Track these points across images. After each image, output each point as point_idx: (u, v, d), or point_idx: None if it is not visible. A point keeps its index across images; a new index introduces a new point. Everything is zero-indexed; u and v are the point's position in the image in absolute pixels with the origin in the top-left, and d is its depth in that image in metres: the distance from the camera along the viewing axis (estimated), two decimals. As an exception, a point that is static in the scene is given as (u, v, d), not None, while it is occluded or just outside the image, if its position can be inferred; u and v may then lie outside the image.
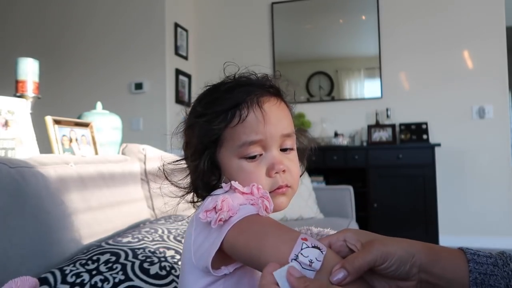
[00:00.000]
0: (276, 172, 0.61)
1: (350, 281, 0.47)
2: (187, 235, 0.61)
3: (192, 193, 0.67)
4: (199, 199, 0.67)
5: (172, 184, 0.67)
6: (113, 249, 0.90)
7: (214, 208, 0.53)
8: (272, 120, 0.61)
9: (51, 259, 0.87)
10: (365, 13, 3.72)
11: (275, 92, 0.65)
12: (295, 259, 0.46)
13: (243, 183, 0.59)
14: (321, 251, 0.47)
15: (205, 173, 0.63)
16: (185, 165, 0.67)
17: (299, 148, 0.70)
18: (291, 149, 0.64)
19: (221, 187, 0.61)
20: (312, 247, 0.48)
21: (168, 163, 0.68)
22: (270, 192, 0.60)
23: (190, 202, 0.68)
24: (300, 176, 0.71)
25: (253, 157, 0.61)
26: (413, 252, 0.48)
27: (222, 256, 0.54)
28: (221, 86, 0.64)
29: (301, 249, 0.47)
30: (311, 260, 0.46)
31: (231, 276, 0.56)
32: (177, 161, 0.68)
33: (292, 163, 0.64)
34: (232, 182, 0.59)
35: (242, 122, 0.60)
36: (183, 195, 0.67)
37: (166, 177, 0.67)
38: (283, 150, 0.63)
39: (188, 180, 0.67)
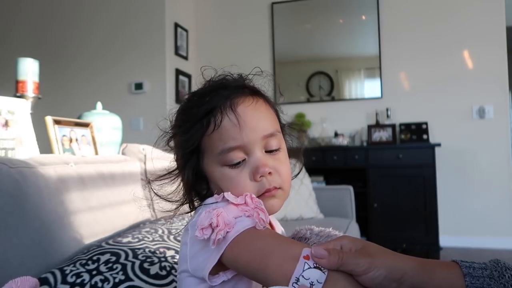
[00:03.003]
0: (261, 176, 0.58)
1: (324, 265, 0.47)
2: (183, 243, 0.59)
3: (187, 203, 0.65)
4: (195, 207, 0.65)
5: (163, 199, 0.65)
6: (113, 249, 0.90)
7: (210, 225, 0.52)
8: (249, 123, 0.57)
9: (51, 259, 0.87)
10: (365, 13, 3.72)
11: (251, 91, 0.61)
12: (295, 283, 0.46)
13: (230, 191, 0.57)
14: (323, 272, 0.47)
15: (193, 184, 0.62)
16: (177, 176, 0.65)
17: (292, 146, 0.67)
18: (278, 149, 0.61)
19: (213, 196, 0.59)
20: (314, 267, 0.47)
21: (154, 179, 0.65)
22: (258, 197, 0.58)
23: (186, 213, 0.66)
24: (296, 175, 0.69)
25: (237, 164, 0.58)
26: (403, 270, 0.46)
27: (220, 264, 0.53)
28: (197, 92, 0.62)
29: (303, 270, 0.47)
30: (312, 282, 0.46)
31: (228, 281, 0.55)
32: (165, 175, 0.65)
33: (279, 163, 0.60)
34: (225, 193, 0.57)
35: (217, 129, 0.57)
36: (177, 207, 0.65)
37: (156, 193, 0.65)
38: (270, 151, 0.60)
39: (181, 191, 0.65)
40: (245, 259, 0.51)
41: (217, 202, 0.57)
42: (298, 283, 0.46)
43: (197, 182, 0.63)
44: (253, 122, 0.58)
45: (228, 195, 0.56)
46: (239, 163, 0.58)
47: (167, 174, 0.65)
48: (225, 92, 0.59)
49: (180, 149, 0.62)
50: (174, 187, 0.65)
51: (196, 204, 0.65)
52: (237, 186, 0.58)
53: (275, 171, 0.59)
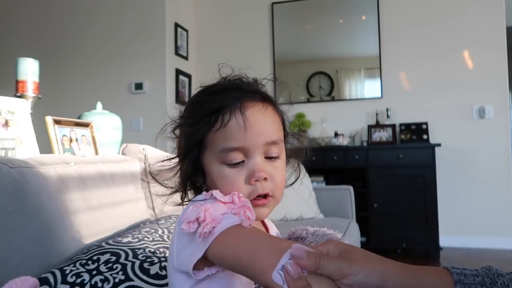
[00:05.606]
0: (256, 180, 0.60)
1: (302, 267, 0.45)
2: (172, 239, 0.61)
3: (181, 193, 0.67)
4: (187, 201, 0.67)
5: (159, 183, 0.67)
6: (113, 249, 0.90)
7: (197, 219, 0.53)
8: (255, 127, 0.59)
9: (51, 259, 0.87)
10: (365, 13, 3.72)
11: (262, 97, 0.63)
12: (281, 269, 0.47)
13: (223, 189, 0.59)
14: None
15: (190, 175, 0.64)
16: (176, 164, 0.67)
17: (292, 153, 0.69)
18: (278, 157, 0.62)
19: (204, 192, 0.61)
20: None
21: (154, 164, 0.67)
22: (250, 201, 0.59)
23: (178, 204, 0.68)
24: (291, 184, 0.71)
25: (235, 164, 0.60)
26: (385, 276, 0.45)
27: (205, 259, 0.54)
28: (210, 88, 0.64)
29: (289, 259, 0.47)
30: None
31: (214, 276, 0.56)
32: (165, 160, 0.68)
33: (276, 170, 0.62)
34: (213, 191, 0.58)
35: (223, 128, 0.59)
36: (171, 193, 0.67)
37: (153, 177, 0.67)
38: (269, 158, 0.61)
39: (177, 179, 0.67)
40: (233, 253, 0.51)
41: (205, 199, 0.59)
42: (283, 270, 0.46)
43: (194, 173, 0.64)
44: (259, 127, 0.60)
45: (216, 193, 0.58)
46: (237, 163, 0.60)
47: (167, 160, 0.67)
48: (237, 93, 0.61)
49: (184, 140, 0.64)
50: (171, 174, 0.67)
51: (189, 194, 0.67)
52: (231, 186, 0.59)
53: (270, 178, 0.61)
